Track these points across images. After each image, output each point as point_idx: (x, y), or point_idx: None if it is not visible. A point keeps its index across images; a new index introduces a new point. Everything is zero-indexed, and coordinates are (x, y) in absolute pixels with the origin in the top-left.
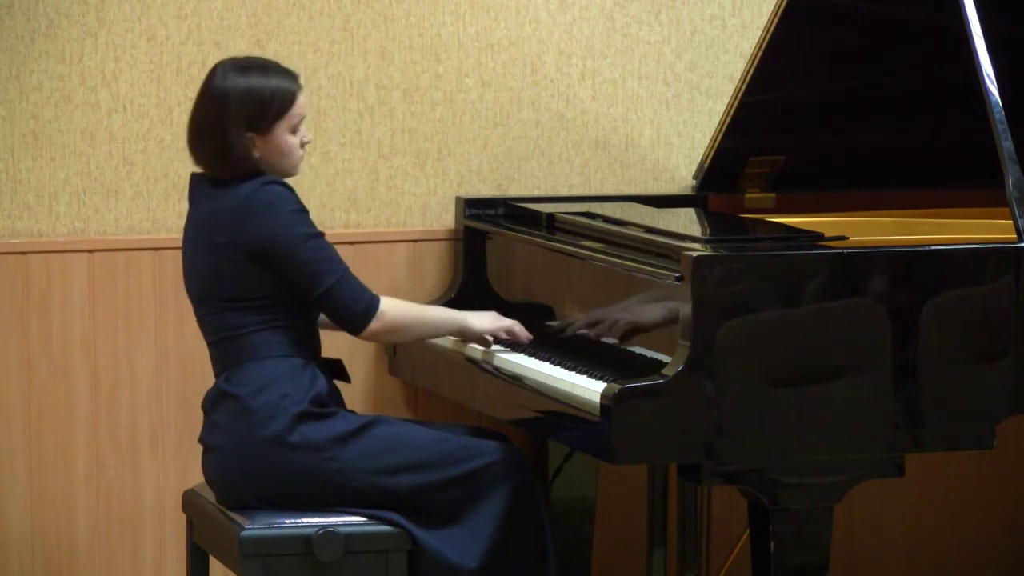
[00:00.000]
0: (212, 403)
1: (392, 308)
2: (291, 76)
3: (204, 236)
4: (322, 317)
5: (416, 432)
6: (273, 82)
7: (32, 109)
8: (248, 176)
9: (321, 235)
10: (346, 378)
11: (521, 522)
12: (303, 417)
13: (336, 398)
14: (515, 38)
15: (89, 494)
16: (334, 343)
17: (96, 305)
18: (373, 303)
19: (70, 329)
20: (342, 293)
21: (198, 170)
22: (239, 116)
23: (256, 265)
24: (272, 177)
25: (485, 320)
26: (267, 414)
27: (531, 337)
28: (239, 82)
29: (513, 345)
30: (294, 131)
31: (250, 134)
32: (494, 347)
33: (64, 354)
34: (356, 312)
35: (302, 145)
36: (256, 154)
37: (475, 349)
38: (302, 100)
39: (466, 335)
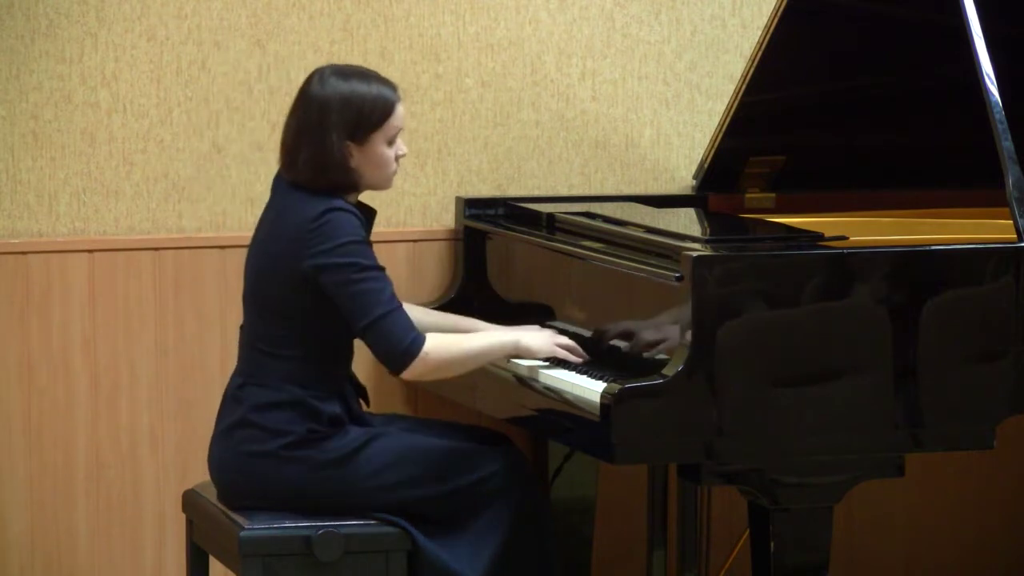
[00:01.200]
0: (226, 401)
1: (435, 349)
2: (391, 86)
3: (263, 241)
4: None
5: (417, 445)
6: (374, 90)
7: (32, 109)
8: (337, 188)
9: (378, 268)
10: (366, 404)
11: (523, 532)
12: (301, 443)
13: (345, 428)
14: (515, 38)
15: (89, 494)
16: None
17: (96, 305)
18: (416, 344)
19: (70, 329)
20: (386, 330)
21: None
22: (339, 123)
23: (302, 286)
24: (339, 203)
25: (541, 339)
26: (269, 434)
27: (585, 357)
28: (340, 88)
29: (565, 362)
30: (390, 143)
31: (348, 143)
32: (541, 364)
33: (64, 354)
34: (398, 351)
35: (397, 159)
36: (352, 164)
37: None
38: (401, 111)
39: (522, 356)
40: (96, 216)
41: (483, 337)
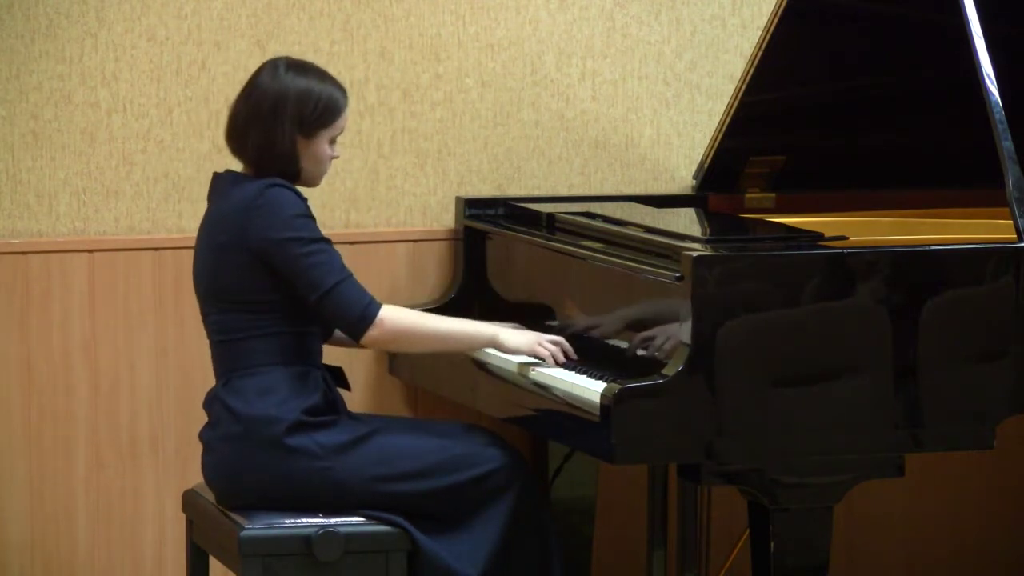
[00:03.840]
0: (209, 405)
1: (392, 316)
2: (342, 89)
3: (210, 234)
4: (336, 334)
5: (416, 441)
6: (328, 89)
7: (32, 109)
8: (280, 176)
9: (324, 240)
10: (346, 386)
11: (523, 530)
12: (299, 426)
13: (336, 406)
14: (515, 38)
15: (89, 494)
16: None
17: (96, 305)
18: (371, 309)
19: (70, 329)
20: (340, 298)
21: (220, 170)
22: (293, 114)
23: (255, 267)
24: (278, 180)
25: (521, 340)
26: (264, 422)
27: (574, 357)
28: (298, 82)
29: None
30: (332, 142)
31: (297, 135)
32: (531, 361)
33: (64, 354)
34: (352, 317)
35: (331, 159)
36: (297, 155)
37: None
38: (347, 115)
39: (500, 350)
40: (96, 216)
41: (456, 321)
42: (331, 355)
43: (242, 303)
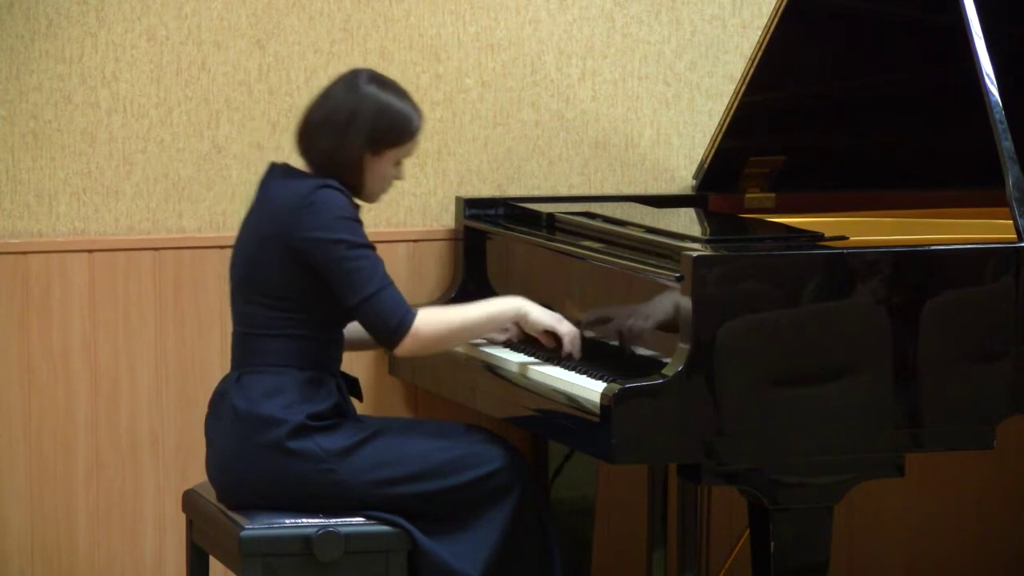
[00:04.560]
0: (220, 397)
1: (426, 328)
2: (420, 112)
3: (255, 225)
4: (352, 334)
5: (417, 443)
6: (407, 109)
7: (32, 109)
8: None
9: (369, 246)
10: (359, 396)
11: (524, 531)
12: (301, 429)
13: (345, 414)
14: (515, 38)
15: (89, 494)
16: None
17: (96, 305)
18: (407, 319)
19: (70, 329)
20: (379, 306)
21: (277, 161)
22: (365, 128)
23: (294, 264)
24: (332, 182)
25: (545, 314)
26: (266, 423)
27: (578, 357)
28: (378, 96)
29: (557, 358)
30: (398, 164)
31: (365, 149)
32: (531, 359)
33: (64, 354)
34: (390, 327)
35: (393, 180)
36: (362, 169)
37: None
38: (418, 139)
39: (524, 323)
40: (96, 216)
41: (479, 307)
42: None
43: (271, 298)
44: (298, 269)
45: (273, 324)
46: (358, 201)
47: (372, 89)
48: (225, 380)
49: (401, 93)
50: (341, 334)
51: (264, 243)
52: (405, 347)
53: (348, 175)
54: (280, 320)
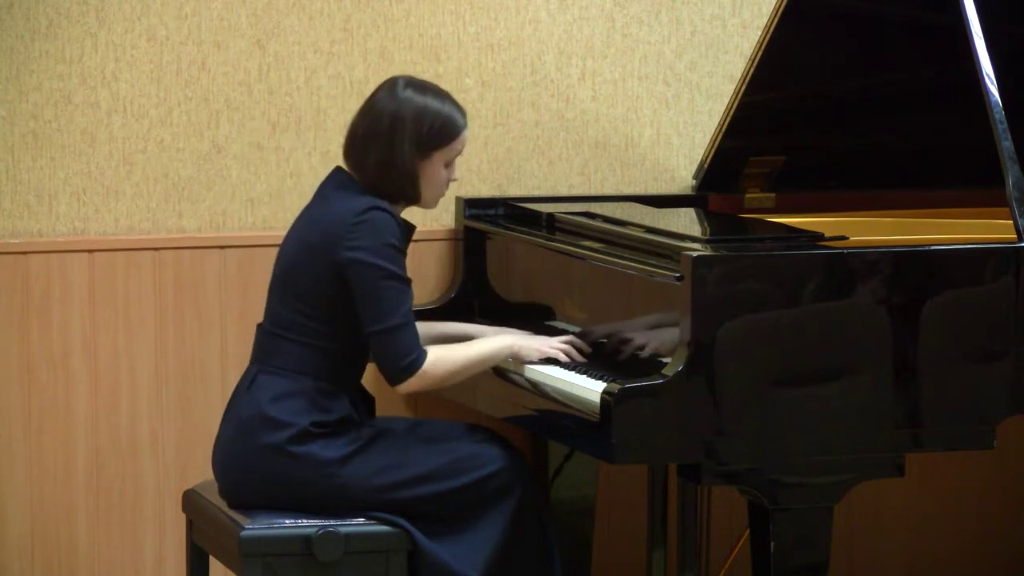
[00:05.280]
0: (235, 394)
1: (434, 367)
2: (462, 111)
3: (303, 231)
4: None
5: (418, 445)
6: (447, 109)
7: (32, 109)
8: (400, 195)
9: (404, 279)
10: (372, 416)
11: (524, 531)
12: (304, 435)
13: (349, 427)
14: (515, 38)
15: (89, 494)
16: None
17: (96, 305)
18: (418, 362)
19: (70, 329)
20: (394, 341)
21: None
22: (411, 133)
23: (330, 277)
24: (385, 204)
25: (534, 346)
26: (272, 424)
27: (588, 351)
28: (416, 100)
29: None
30: (448, 164)
31: (414, 155)
32: (537, 365)
33: (64, 354)
34: (400, 366)
35: (448, 182)
36: (418, 174)
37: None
38: (465, 136)
39: (517, 359)
40: (96, 216)
41: (477, 346)
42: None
43: (302, 304)
44: (334, 283)
45: (298, 328)
46: (417, 208)
47: (409, 94)
48: (245, 375)
49: (441, 94)
50: (365, 353)
51: (308, 250)
52: (410, 385)
53: (403, 184)
54: (305, 326)
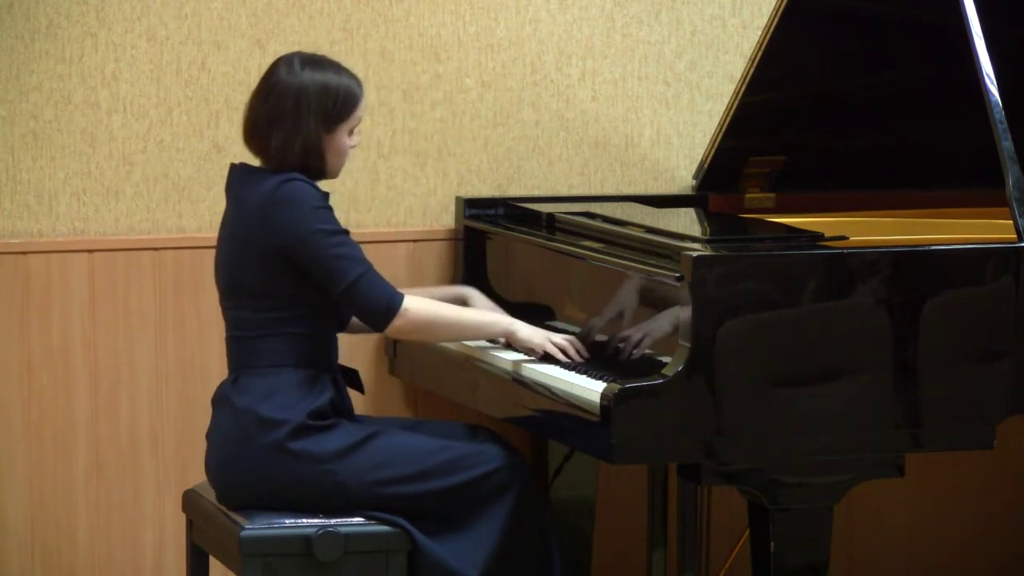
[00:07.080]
0: (218, 402)
1: (415, 306)
2: (357, 79)
3: (230, 229)
4: (352, 321)
5: (417, 442)
6: (346, 81)
7: (32, 109)
8: (307, 173)
9: (344, 232)
10: (360, 389)
11: (523, 530)
12: (302, 430)
13: (343, 409)
14: (515, 38)
15: (89, 494)
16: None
17: (96, 305)
18: (395, 300)
19: (70, 329)
20: (364, 290)
21: (236, 161)
22: (316, 110)
23: (277, 262)
24: (295, 175)
25: (535, 335)
26: (267, 424)
27: (586, 355)
28: (316, 77)
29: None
30: (351, 133)
31: (321, 130)
32: (531, 359)
33: (64, 354)
34: (380, 308)
35: (351, 148)
36: (323, 150)
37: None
38: (364, 104)
39: (513, 343)
40: (96, 216)
41: (473, 312)
42: (346, 353)
43: (260, 298)
44: (279, 267)
45: (263, 325)
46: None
47: (308, 71)
48: (223, 385)
49: (336, 66)
50: (334, 328)
51: (242, 246)
52: (396, 327)
53: (309, 161)
54: (269, 321)
